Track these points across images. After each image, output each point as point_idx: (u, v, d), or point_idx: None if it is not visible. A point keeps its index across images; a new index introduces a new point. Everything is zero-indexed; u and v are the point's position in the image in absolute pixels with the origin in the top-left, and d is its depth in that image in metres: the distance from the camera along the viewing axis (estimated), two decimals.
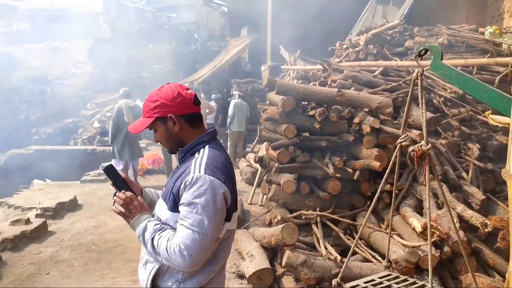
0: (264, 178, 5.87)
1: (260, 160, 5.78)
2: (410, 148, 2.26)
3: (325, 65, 6.64)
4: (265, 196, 5.81)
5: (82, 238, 5.20)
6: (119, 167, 7.57)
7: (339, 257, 3.62)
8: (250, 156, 8.38)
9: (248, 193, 6.53)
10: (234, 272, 4.11)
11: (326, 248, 3.87)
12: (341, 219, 4.32)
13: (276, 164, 4.86)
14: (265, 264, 3.85)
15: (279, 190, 4.77)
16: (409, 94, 2.42)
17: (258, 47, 17.91)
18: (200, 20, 25.00)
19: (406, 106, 2.47)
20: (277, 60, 13.94)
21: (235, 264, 4.22)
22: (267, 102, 6.39)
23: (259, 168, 6.59)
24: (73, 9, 27.08)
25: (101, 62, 19.84)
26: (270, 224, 4.81)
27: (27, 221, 5.24)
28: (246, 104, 10.02)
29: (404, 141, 2.36)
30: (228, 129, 9.73)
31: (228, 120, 9.56)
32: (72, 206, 6.33)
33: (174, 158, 7.84)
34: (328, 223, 4.37)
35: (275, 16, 14.16)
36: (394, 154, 2.44)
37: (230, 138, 9.75)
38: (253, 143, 9.93)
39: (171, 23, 27.11)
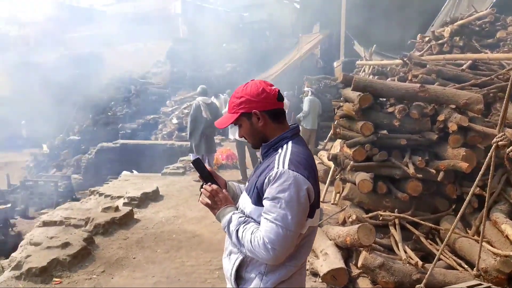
0: (338, 176, 5.76)
1: (334, 158, 5.68)
2: (509, 149, 2.07)
3: (405, 59, 6.31)
4: (338, 194, 5.71)
5: (163, 227, 5.56)
6: None
7: (420, 262, 3.44)
8: (322, 154, 8.27)
9: (320, 191, 6.45)
10: (307, 270, 4.10)
11: (405, 252, 3.69)
12: (422, 222, 4.09)
13: (351, 162, 4.74)
14: (340, 263, 3.79)
15: (354, 189, 4.65)
16: (508, 89, 2.21)
17: (331, 43, 17.57)
18: (271, 17, 25.19)
19: (504, 102, 2.26)
20: (351, 55, 13.56)
21: (308, 261, 4.21)
22: (342, 98, 6.25)
23: (332, 166, 6.48)
24: (154, 12, 28.85)
25: (179, 62, 20.92)
26: (343, 223, 4.72)
27: (116, 209, 5.74)
28: (318, 101, 9.90)
29: (501, 141, 2.17)
30: (300, 127, 9.71)
31: (302, 117, 9.52)
32: (154, 196, 6.79)
33: (248, 154, 8.05)
34: (408, 225, 4.16)
35: (349, 11, 13.78)
36: (489, 154, 2.25)
37: (302, 135, 9.72)
38: (325, 141, 9.79)
39: (244, 22, 27.66)
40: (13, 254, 5.50)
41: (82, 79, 19.38)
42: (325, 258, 3.92)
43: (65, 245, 4.45)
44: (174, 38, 24.28)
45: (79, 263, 4.29)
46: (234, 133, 9.51)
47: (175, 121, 14.95)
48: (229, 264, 1.85)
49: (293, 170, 1.65)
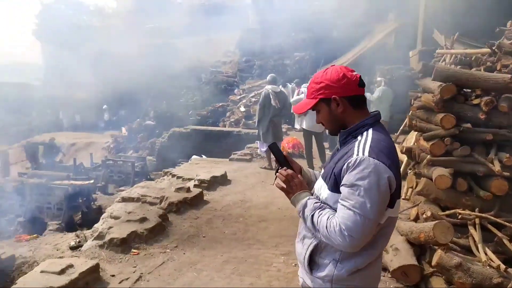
0: (411, 170, 5.50)
1: (408, 151, 5.42)
2: None
3: (493, 48, 5.77)
4: (410, 189, 5.46)
5: (231, 210, 5.75)
6: (263, 148, 8.07)
7: (503, 266, 3.18)
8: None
9: None
10: None
11: (486, 254, 3.44)
12: (507, 224, 3.77)
13: (428, 157, 4.49)
14: (412, 260, 3.64)
15: (429, 184, 4.40)
16: None
17: (406, 31, 16.61)
18: (342, 6, 24.40)
19: None
20: (428, 45, 12.71)
21: None
22: (420, 89, 5.92)
23: (405, 160, 6.19)
24: (226, 2, 29.37)
25: (248, 51, 21.20)
26: (416, 220, 4.51)
27: (188, 190, 6.04)
28: (391, 91, 9.48)
29: None
30: None
31: (370, 107, 9.21)
32: (223, 180, 7.03)
33: (314, 144, 7.98)
34: (490, 226, 3.86)
35: None
36: None
37: None
38: (397, 133, 9.36)
39: (313, 11, 27.14)
40: (95, 225, 6.06)
41: (157, 68, 20.48)
42: (395, 253, 3.79)
43: (143, 220, 4.79)
44: (244, 28, 24.59)
45: (155, 237, 4.60)
46: (300, 122, 9.45)
47: (242, 109, 15.24)
48: (303, 249, 1.87)
49: (373, 158, 1.61)
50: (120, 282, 3.61)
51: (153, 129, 17.39)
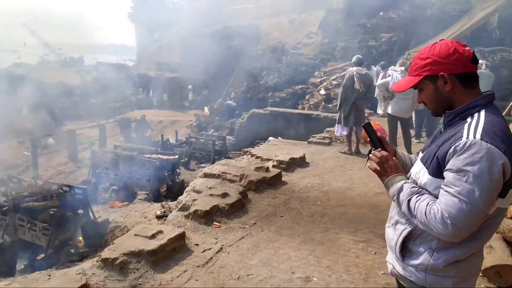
0: None
1: None
2: None
3: None
4: None
5: (309, 192, 5.72)
6: (343, 132, 7.85)
7: None
8: None
9: None
10: None
11: None
12: None
13: None
14: (508, 260, 3.31)
15: None
16: None
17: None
18: None
19: None
20: None
21: None
22: None
23: None
24: None
25: (331, 32, 20.57)
26: None
27: (267, 170, 6.12)
28: (492, 75, 8.54)
29: None
30: None
31: None
32: (301, 162, 7.00)
33: (399, 130, 7.55)
34: None
35: None
36: None
37: None
38: None
39: None
40: (179, 198, 6.45)
41: (240, 49, 20.87)
42: (489, 251, 3.47)
43: (224, 195, 4.98)
44: (328, 9, 23.87)
45: (235, 212, 4.77)
46: (385, 107, 8.98)
47: (323, 92, 14.93)
48: (394, 234, 1.78)
49: (486, 142, 1.46)
50: (203, 252, 3.82)
51: (233, 109, 17.86)
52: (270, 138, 10.89)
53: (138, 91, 25.15)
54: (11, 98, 18.23)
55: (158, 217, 7.94)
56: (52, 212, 7.30)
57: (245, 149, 8.63)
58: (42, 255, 7.49)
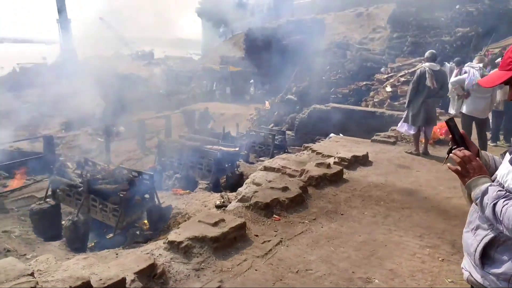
0: None
1: None
2: None
3: None
4: None
5: (371, 192, 5.53)
6: (410, 131, 7.48)
7: None
8: None
9: None
10: None
11: None
12: None
13: None
14: None
15: None
16: None
17: None
18: None
19: None
20: None
21: None
22: None
23: None
24: None
25: (401, 27, 19.61)
26: None
27: (328, 166, 6.02)
28: None
29: None
30: None
31: None
32: (364, 161, 6.80)
33: (474, 131, 7.00)
34: None
35: None
36: None
37: None
38: None
39: None
40: (239, 189, 6.56)
41: (303, 44, 20.65)
42: None
43: (285, 189, 4.98)
44: (399, 1, 22.72)
45: (295, 207, 4.75)
46: (458, 106, 8.38)
47: (388, 89, 14.31)
48: (474, 240, 1.66)
49: None
50: (262, 243, 3.86)
51: (294, 104, 17.77)
52: (332, 134, 10.69)
53: (203, 84, 25.95)
54: (87, 88, 19.72)
55: (218, 207, 8.16)
56: (122, 195, 7.81)
57: (306, 145, 8.56)
58: (111, 235, 8.06)
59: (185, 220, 8.20)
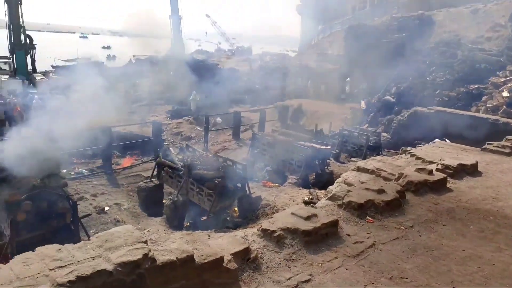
0: None
1: None
2: None
3: None
4: None
5: (479, 205, 5.04)
6: None
7: None
8: None
9: None
10: None
11: None
12: None
13: None
14: None
15: None
16: None
17: None
18: None
19: None
20: None
21: None
22: None
23: None
24: None
25: None
26: None
27: (430, 172, 5.62)
28: None
29: None
30: None
31: None
32: (472, 170, 6.20)
33: None
34: None
35: None
36: None
37: None
38: None
39: None
40: (330, 187, 6.49)
41: (407, 42, 19.47)
42: None
43: (380, 191, 4.79)
44: None
45: (390, 211, 4.55)
46: None
47: (506, 94, 12.81)
48: None
49: None
50: (354, 243, 3.78)
51: (392, 105, 16.88)
52: (436, 140, 9.94)
53: (297, 81, 26.04)
54: (189, 80, 21.13)
55: (306, 203, 8.18)
56: (217, 181, 8.28)
57: (405, 148, 8.09)
58: (205, 217, 8.61)
59: (273, 212, 8.40)
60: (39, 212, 5.96)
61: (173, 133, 17.04)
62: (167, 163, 9.41)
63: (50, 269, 2.20)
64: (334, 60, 24.84)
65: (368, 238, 3.92)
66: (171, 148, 10.84)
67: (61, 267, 2.22)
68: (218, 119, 18.07)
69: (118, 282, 2.29)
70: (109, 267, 2.29)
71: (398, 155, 8.03)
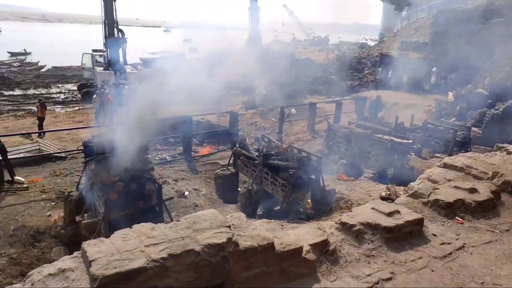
0: None
1: None
2: None
3: None
4: None
5: None
6: None
7: None
8: None
9: None
10: None
11: None
12: None
13: None
14: None
15: None
16: None
17: None
18: None
19: None
20: None
21: None
22: None
23: None
24: None
25: None
26: None
27: None
28: None
29: None
30: None
31: None
32: None
33: None
34: None
35: None
36: None
37: None
38: None
39: None
40: (411, 184, 6.14)
41: (506, 26, 17.49)
42: None
43: (472, 190, 4.42)
44: None
45: (483, 212, 4.19)
46: None
47: None
48: None
49: None
50: (441, 244, 3.55)
51: (486, 98, 15.35)
52: None
53: (377, 71, 24.89)
54: (267, 71, 21.31)
55: (383, 198, 7.86)
56: (291, 172, 8.30)
57: (500, 145, 7.35)
58: (278, 207, 8.70)
59: (348, 206, 8.22)
60: (129, 193, 6.50)
61: (248, 123, 17.38)
62: (243, 152, 9.65)
63: (145, 246, 2.40)
64: (419, 48, 23.25)
65: (457, 239, 3.66)
66: (246, 138, 11.10)
67: (155, 244, 2.41)
68: (293, 110, 18.01)
69: (204, 262, 2.42)
70: (197, 247, 2.42)
71: (492, 152, 7.32)
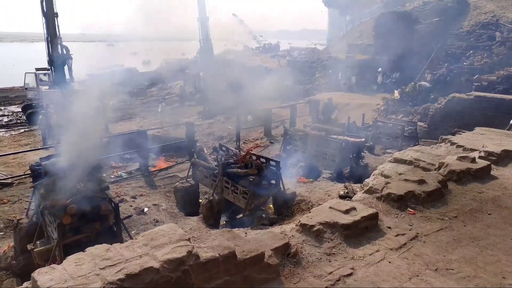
0: None
1: None
2: None
3: None
4: None
5: None
6: None
7: None
8: None
9: None
10: None
11: None
12: None
13: None
14: None
15: None
16: None
17: None
18: None
19: None
20: None
21: None
22: None
23: None
24: None
25: None
26: None
27: (472, 160, 5.41)
28: None
29: None
30: None
31: None
32: None
33: None
34: None
35: None
36: None
37: None
38: None
39: None
40: (366, 180, 6.38)
41: (441, 27, 18.74)
42: None
43: (421, 182, 4.65)
44: None
45: (432, 201, 4.42)
46: None
47: None
48: None
49: None
50: (396, 235, 3.70)
51: (428, 93, 16.30)
52: (476, 128, 9.53)
53: (327, 74, 25.67)
54: (220, 81, 21.31)
55: (341, 197, 8.07)
56: (251, 179, 8.32)
57: (444, 137, 7.82)
58: (241, 215, 8.67)
59: (309, 208, 8.35)
60: (84, 215, 6.22)
61: (205, 133, 17.26)
62: (202, 163, 9.56)
63: (100, 268, 2.30)
64: (364, 50, 24.26)
65: (410, 230, 3.83)
66: (204, 148, 11.00)
67: (111, 266, 2.32)
68: (249, 117, 18.12)
69: (165, 279, 2.36)
70: (155, 264, 2.36)
71: (437, 144, 7.77)
